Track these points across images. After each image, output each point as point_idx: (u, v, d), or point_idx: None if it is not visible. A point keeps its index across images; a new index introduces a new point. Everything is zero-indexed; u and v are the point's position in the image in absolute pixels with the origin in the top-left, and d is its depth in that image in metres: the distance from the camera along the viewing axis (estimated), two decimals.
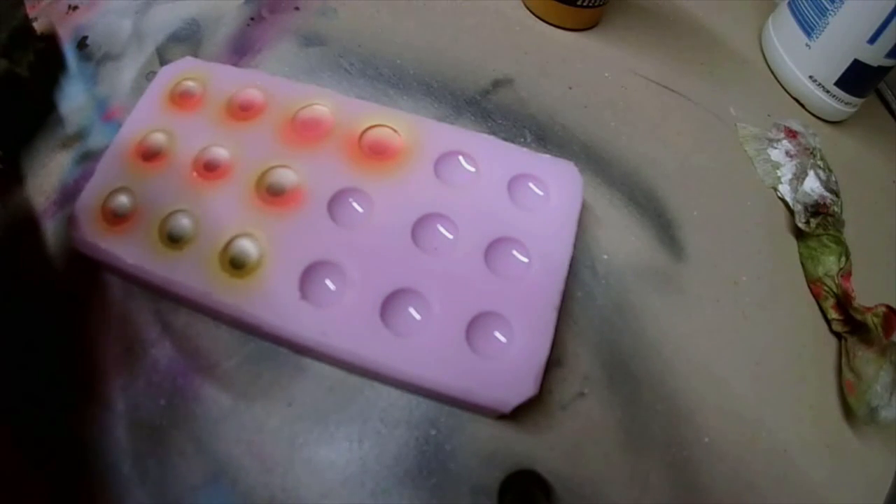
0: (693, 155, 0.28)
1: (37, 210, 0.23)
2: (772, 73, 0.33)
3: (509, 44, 0.30)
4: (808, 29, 0.30)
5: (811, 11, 0.30)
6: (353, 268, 0.20)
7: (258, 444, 0.19)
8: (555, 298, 0.20)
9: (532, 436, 0.20)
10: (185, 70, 0.24)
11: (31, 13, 0.27)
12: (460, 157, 0.23)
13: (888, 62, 0.29)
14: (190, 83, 0.24)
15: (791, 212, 0.27)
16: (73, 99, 0.25)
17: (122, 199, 0.21)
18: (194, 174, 0.22)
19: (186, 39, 0.27)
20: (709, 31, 0.34)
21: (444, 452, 0.20)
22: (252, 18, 0.29)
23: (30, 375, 0.20)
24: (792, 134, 0.30)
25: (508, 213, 0.22)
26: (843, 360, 0.24)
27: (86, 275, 0.21)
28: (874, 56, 0.28)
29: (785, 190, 0.28)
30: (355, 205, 0.22)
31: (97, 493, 0.18)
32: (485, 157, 0.23)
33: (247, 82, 0.24)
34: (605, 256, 0.24)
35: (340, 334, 0.19)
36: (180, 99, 0.23)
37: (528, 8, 0.32)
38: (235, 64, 0.27)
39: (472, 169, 0.23)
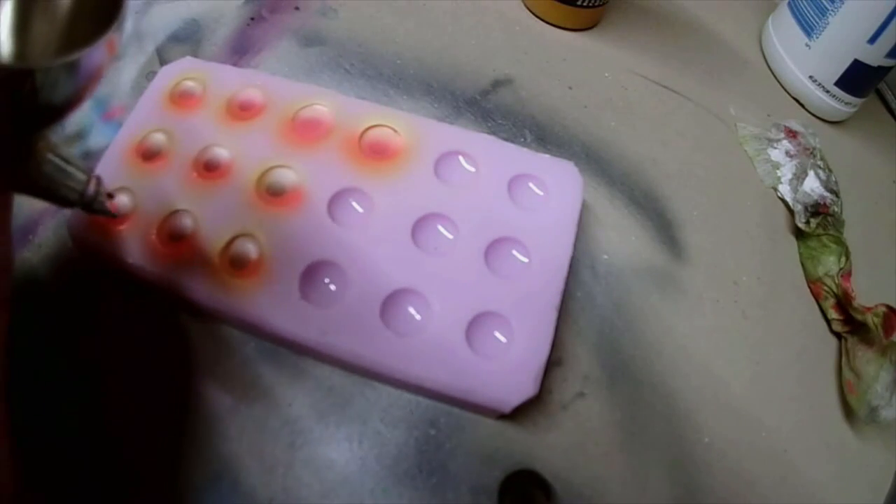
0: (693, 155, 0.28)
1: (37, 210, 0.23)
2: (772, 73, 0.33)
3: (509, 44, 0.30)
4: (808, 29, 0.30)
5: (811, 11, 0.30)
6: (353, 268, 0.20)
7: (258, 444, 0.19)
8: (555, 298, 0.20)
9: (532, 436, 0.20)
10: (185, 70, 0.24)
11: None
12: (460, 157, 0.23)
13: (888, 62, 0.29)
14: (190, 83, 0.24)
15: (791, 212, 0.27)
16: None
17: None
18: (194, 174, 0.22)
19: (186, 39, 0.27)
20: (709, 31, 0.34)
21: (444, 452, 0.20)
22: (252, 18, 0.29)
23: (29, 377, 0.20)
24: (792, 134, 0.30)
25: (508, 213, 0.22)
26: (843, 360, 0.24)
27: (86, 275, 0.21)
28: (874, 56, 0.28)
29: (785, 190, 0.28)
30: (355, 205, 0.22)
31: (97, 494, 0.18)
32: (485, 157, 0.23)
33: (247, 82, 0.24)
34: (605, 256, 0.24)
35: (340, 334, 0.19)
36: (180, 99, 0.23)
37: (528, 8, 0.32)
38: (235, 64, 0.27)
39: (472, 169, 0.23)
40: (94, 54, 0.13)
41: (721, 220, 0.27)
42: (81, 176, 0.17)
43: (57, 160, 0.16)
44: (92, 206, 0.17)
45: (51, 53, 0.15)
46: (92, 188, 0.17)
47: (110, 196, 0.18)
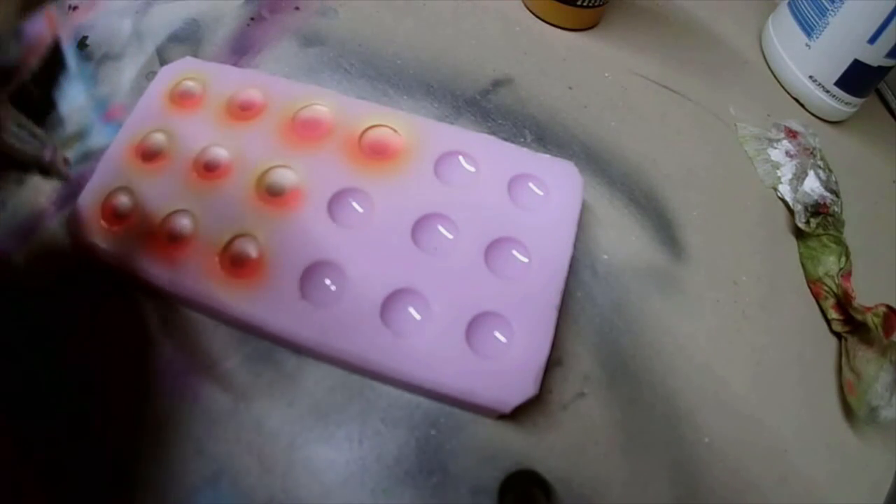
0: (693, 155, 0.28)
1: (37, 210, 0.23)
2: (772, 73, 0.33)
3: (509, 44, 0.30)
4: (808, 29, 0.30)
5: (811, 11, 0.30)
6: (353, 268, 0.20)
7: (258, 444, 0.19)
8: (555, 298, 0.20)
9: (532, 436, 0.20)
10: (185, 70, 0.24)
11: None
12: (460, 157, 0.23)
13: (888, 62, 0.29)
14: (190, 83, 0.24)
15: (791, 212, 0.27)
16: (73, 99, 0.25)
17: (122, 199, 0.21)
18: (194, 174, 0.22)
19: (186, 39, 0.27)
20: (709, 31, 0.34)
21: (444, 452, 0.20)
22: (252, 18, 0.29)
23: (29, 376, 0.20)
24: (792, 134, 0.30)
25: (508, 213, 0.22)
26: (843, 360, 0.24)
27: (85, 275, 0.21)
28: (874, 56, 0.28)
29: (785, 190, 0.28)
30: (355, 205, 0.22)
31: (97, 494, 0.18)
32: (485, 157, 0.23)
33: (247, 82, 0.24)
34: (605, 256, 0.24)
35: (340, 334, 0.19)
36: (180, 99, 0.23)
37: (528, 8, 0.32)
38: (235, 64, 0.27)
39: (472, 169, 0.23)
40: (36, 25, 0.16)
41: (721, 220, 0.27)
42: (39, 143, 0.18)
43: (16, 128, 0.17)
44: (49, 171, 0.19)
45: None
46: (49, 154, 0.19)
47: (66, 162, 0.20)
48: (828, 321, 0.25)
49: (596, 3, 0.30)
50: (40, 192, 0.23)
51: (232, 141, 0.22)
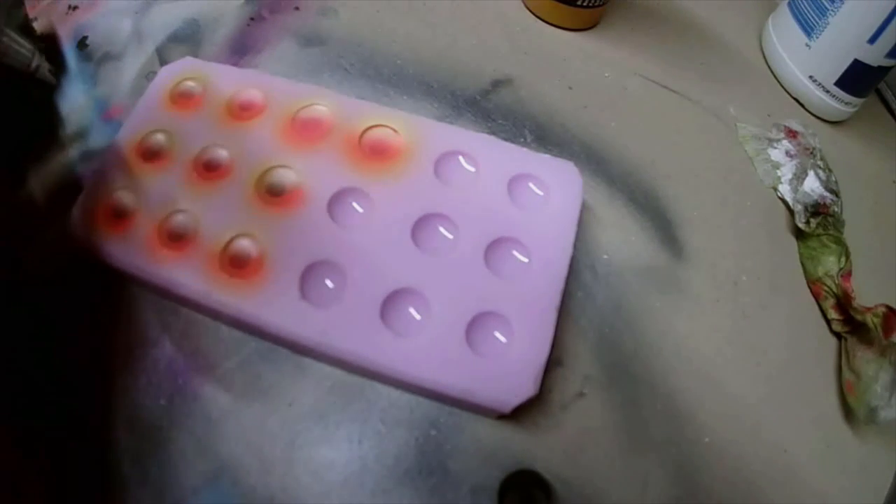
0: (693, 155, 0.28)
1: (37, 209, 0.23)
2: (772, 73, 0.33)
3: (509, 44, 0.30)
4: (808, 29, 0.30)
5: (811, 11, 0.30)
6: (353, 268, 0.20)
7: (258, 444, 0.19)
8: (555, 298, 0.20)
9: (532, 436, 0.20)
10: (185, 70, 0.24)
11: (31, 13, 0.27)
12: (460, 157, 0.23)
13: (888, 62, 0.29)
14: (190, 83, 0.24)
15: (791, 212, 0.27)
16: (73, 99, 0.25)
17: (123, 199, 0.21)
18: (194, 174, 0.22)
19: (186, 39, 0.27)
20: (709, 31, 0.34)
21: (444, 452, 0.20)
22: (252, 18, 0.29)
23: (30, 376, 0.20)
24: (792, 134, 0.30)
25: (508, 213, 0.22)
26: (843, 360, 0.24)
27: (86, 275, 0.21)
28: (874, 56, 0.28)
29: (785, 190, 0.28)
30: (355, 205, 0.22)
31: (97, 493, 0.18)
32: (485, 157, 0.23)
33: (247, 82, 0.24)
34: (605, 256, 0.24)
35: (340, 334, 0.19)
36: (180, 99, 0.23)
37: (528, 8, 0.32)
38: (235, 64, 0.27)
39: (472, 169, 0.23)
40: None
41: (721, 220, 0.26)
42: (28, 51, 0.21)
43: (8, 38, 0.20)
44: (36, 75, 0.22)
45: None
46: (36, 60, 0.22)
47: (52, 71, 0.23)
48: (828, 321, 0.25)
49: (596, 3, 0.30)
50: (40, 191, 0.23)
51: (232, 141, 0.22)
